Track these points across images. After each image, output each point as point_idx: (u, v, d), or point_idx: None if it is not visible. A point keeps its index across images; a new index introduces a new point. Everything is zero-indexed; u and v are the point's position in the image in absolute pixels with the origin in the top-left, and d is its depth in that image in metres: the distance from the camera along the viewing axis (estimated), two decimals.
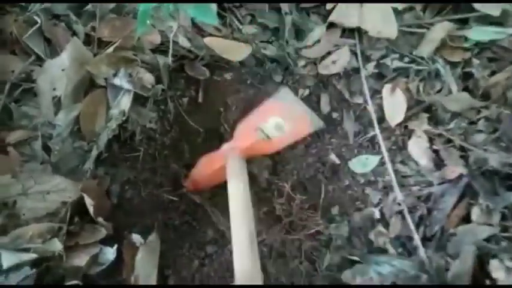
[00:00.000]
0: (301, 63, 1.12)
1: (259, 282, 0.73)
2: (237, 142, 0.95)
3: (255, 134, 0.96)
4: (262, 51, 1.10)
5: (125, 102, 0.91)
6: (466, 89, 1.06)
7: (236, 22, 1.12)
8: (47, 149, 0.86)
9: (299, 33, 1.15)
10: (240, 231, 0.78)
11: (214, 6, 1.06)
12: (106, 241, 0.85)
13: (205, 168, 0.98)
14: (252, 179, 0.99)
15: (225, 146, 0.95)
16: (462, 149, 0.99)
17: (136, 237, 0.87)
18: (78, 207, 0.84)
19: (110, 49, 0.92)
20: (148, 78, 0.93)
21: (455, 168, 0.97)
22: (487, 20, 1.11)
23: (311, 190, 1.04)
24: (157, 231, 0.92)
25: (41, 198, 0.81)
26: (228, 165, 0.91)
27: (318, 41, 1.12)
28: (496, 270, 0.87)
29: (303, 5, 1.17)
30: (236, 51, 1.08)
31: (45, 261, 0.79)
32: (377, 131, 1.05)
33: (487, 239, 0.92)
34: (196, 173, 0.99)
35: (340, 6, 1.13)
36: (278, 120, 0.97)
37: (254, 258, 0.75)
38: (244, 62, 1.10)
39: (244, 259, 0.75)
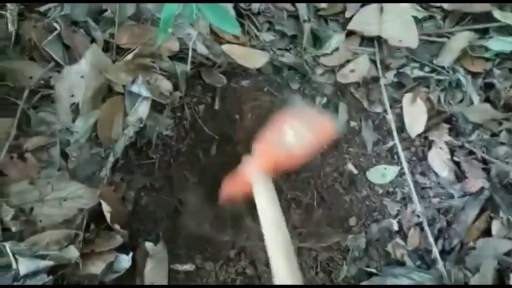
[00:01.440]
0: (319, 71, 1.11)
1: None
2: (259, 160, 0.88)
3: (275, 147, 0.88)
4: (280, 58, 1.09)
5: (142, 109, 0.90)
6: (487, 100, 1.04)
7: (254, 29, 1.11)
8: (64, 155, 0.86)
9: (317, 40, 1.14)
10: (277, 252, 0.72)
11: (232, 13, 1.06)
12: (121, 249, 0.85)
13: (233, 188, 0.92)
14: None
15: (247, 166, 0.89)
16: (484, 161, 0.98)
17: (149, 246, 0.86)
18: (95, 214, 0.84)
19: (129, 56, 0.92)
20: (166, 85, 0.92)
21: (476, 181, 0.95)
22: (507, 30, 1.09)
23: (328, 200, 1.03)
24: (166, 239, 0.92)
25: (58, 205, 0.80)
26: (254, 186, 0.84)
27: (337, 49, 1.11)
28: None
29: (322, 12, 1.15)
30: (254, 59, 1.07)
31: (61, 268, 0.78)
32: (396, 140, 1.04)
33: (508, 253, 0.90)
34: (227, 196, 0.94)
35: (360, 14, 1.13)
36: (296, 129, 0.88)
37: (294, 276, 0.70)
38: (261, 70, 1.09)
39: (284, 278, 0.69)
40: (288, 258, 0.71)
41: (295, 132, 0.88)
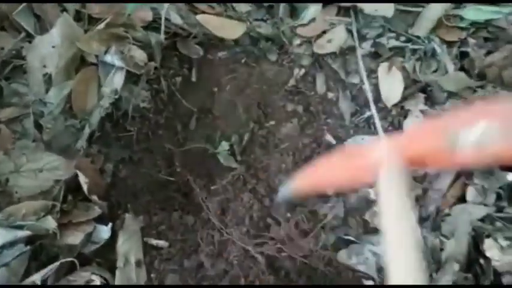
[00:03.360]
0: (297, 42, 1.11)
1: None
2: (409, 142, 0.62)
3: (440, 137, 0.59)
4: (257, 29, 1.09)
5: (117, 80, 0.89)
6: (462, 68, 1.06)
7: None
8: (38, 126, 0.85)
9: (294, 11, 1.14)
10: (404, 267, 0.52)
11: None
12: (101, 220, 0.85)
13: (332, 165, 0.66)
14: None
15: (382, 142, 0.62)
16: None
17: (128, 217, 0.86)
18: (72, 185, 0.84)
19: (101, 26, 0.90)
20: (140, 55, 0.91)
21: None
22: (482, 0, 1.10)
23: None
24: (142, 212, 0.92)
25: (34, 176, 0.80)
26: (381, 173, 0.60)
27: (313, 19, 1.10)
28: (490, 249, 0.88)
29: None
30: (230, 30, 1.06)
31: (39, 238, 0.78)
32: (373, 111, 1.04)
33: (482, 219, 0.92)
34: (314, 171, 0.68)
35: None
36: (490, 125, 0.61)
37: None
38: (238, 41, 1.09)
39: None
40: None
41: (485, 128, 0.57)
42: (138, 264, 0.86)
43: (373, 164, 0.59)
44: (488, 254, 0.87)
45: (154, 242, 0.90)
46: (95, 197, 0.83)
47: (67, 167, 0.81)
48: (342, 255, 0.94)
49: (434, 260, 0.89)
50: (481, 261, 0.88)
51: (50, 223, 0.77)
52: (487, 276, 0.87)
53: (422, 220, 0.96)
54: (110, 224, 0.84)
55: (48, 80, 0.86)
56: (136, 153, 0.98)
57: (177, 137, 1.04)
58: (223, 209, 0.96)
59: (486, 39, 1.08)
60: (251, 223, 0.94)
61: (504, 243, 0.87)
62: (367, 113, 1.06)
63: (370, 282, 0.92)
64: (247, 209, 0.95)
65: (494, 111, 0.57)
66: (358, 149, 0.66)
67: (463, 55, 1.07)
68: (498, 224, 0.90)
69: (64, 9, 0.93)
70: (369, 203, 1.00)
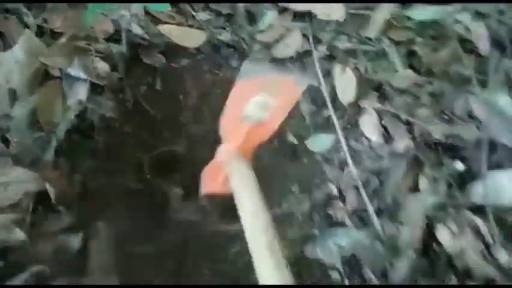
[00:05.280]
0: (256, 47, 1.15)
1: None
2: (229, 142, 0.79)
3: (243, 124, 0.78)
4: (217, 37, 1.13)
5: (81, 92, 0.92)
6: (411, 66, 1.12)
7: (190, 9, 1.14)
8: (5, 141, 0.87)
9: (252, 18, 1.18)
10: (259, 244, 0.62)
11: None
12: (71, 230, 0.87)
13: (211, 182, 0.81)
14: None
15: (220, 152, 0.78)
16: (408, 123, 1.06)
17: (98, 226, 0.88)
18: (41, 197, 0.85)
19: (63, 40, 0.92)
20: (103, 66, 0.94)
21: (402, 142, 1.03)
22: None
23: (272, 169, 1.08)
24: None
25: (2, 190, 0.81)
26: (230, 172, 0.75)
27: (271, 25, 1.15)
28: (442, 235, 0.95)
29: None
30: (191, 38, 1.10)
31: (10, 251, 0.80)
32: (330, 110, 1.10)
33: (434, 207, 0.98)
34: (207, 187, 0.83)
35: None
36: (259, 99, 0.79)
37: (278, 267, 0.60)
38: (200, 49, 1.13)
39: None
40: (274, 254, 0.60)
41: (260, 103, 0.80)
42: (110, 272, 0.87)
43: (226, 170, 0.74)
44: (440, 239, 0.94)
45: (127, 249, 0.91)
46: (63, 208, 0.85)
47: (35, 180, 0.83)
48: (308, 249, 0.99)
49: (393, 246, 0.95)
50: (435, 246, 0.95)
51: (20, 235, 0.79)
52: (441, 260, 0.93)
53: (381, 211, 1.02)
54: (80, 234, 0.86)
55: (13, 95, 0.88)
56: (104, 162, 0.99)
57: (145, 145, 1.07)
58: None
59: (433, 38, 1.15)
60: None
61: (455, 229, 0.94)
62: (325, 113, 1.11)
63: (335, 273, 0.97)
64: None
65: (252, 85, 0.80)
66: (215, 165, 0.78)
67: (412, 53, 1.14)
68: (449, 210, 0.97)
69: (26, 25, 0.94)
70: (332, 198, 1.05)
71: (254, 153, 0.79)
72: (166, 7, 0.81)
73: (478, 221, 0.95)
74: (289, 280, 0.58)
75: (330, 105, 1.10)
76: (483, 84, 1.08)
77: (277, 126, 0.81)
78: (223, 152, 0.77)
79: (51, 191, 0.82)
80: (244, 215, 0.67)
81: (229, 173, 0.74)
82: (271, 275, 0.58)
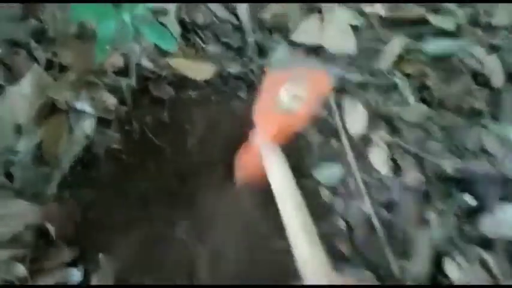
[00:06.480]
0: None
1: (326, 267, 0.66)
2: (263, 128, 0.85)
3: (275, 112, 0.82)
4: (227, 69, 1.13)
5: (87, 125, 0.92)
6: (422, 99, 1.10)
7: (200, 42, 1.15)
8: (9, 175, 0.87)
9: (262, 51, 1.18)
10: (294, 225, 0.71)
11: (176, 31, 1.08)
12: (72, 263, 0.86)
13: (246, 164, 0.92)
14: None
15: (254, 136, 0.86)
16: (419, 157, 1.03)
17: (100, 258, 0.87)
18: (43, 230, 0.85)
19: (72, 74, 0.93)
20: (111, 100, 0.94)
21: (413, 176, 1.01)
22: (442, 34, 1.16)
23: None
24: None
25: (3, 224, 0.81)
26: (263, 157, 0.81)
27: (282, 59, 1.15)
28: (451, 269, 0.93)
29: (267, 24, 1.20)
30: (201, 71, 1.10)
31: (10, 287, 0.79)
32: (344, 141, 1.08)
33: (443, 240, 0.97)
34: (242, 170, 0.94)
35: (302, 25, 1.18)
36: (290, 89, 0.81)
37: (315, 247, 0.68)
38: (209, 81, 1.13)
39: (305, 250, 0.68)
40: (308, 232, 0.70)
41: (291, 93, 0.82)
42: None
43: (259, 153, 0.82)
44: (449, 273, 0.93)
45: (130, 283, 0.90)
46: (63, 242, 0.84)
47: (35, 214, 0.83)
48: None
49: (401, 279, 0.94)
50: (443, 280, 0.93)
51: (21, 270, 0.78)
52: None
53: (391, 245, 0.99)
54: (82, 267, 0.85)
55: (18, 129, 0.88)
56: (109, 194, 0.99)
57: (150, 176, 1.06)
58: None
59: (445, 71, 1.14)
60: None
61: (464, 263, 0.91)
62: (335, 144, 1.10)
63: None
64: None
65: (284, 75, 0.83)
66: (250, 150, 0.88)
67: (423, 87, 1.12)
68: (458, 244, 0.96)
69: (35, 59, 0.96)
70: (339, 231, 1.03)
71: (286, 142, 0.85)
72: (176, 48, 0.81)
73: (486, 255, 0.94)
74: (323, 255, 0.66)
75: (342, 136, 1.08)
76: (495, 117, 1.06)
77: (307, 118, 0.84)
78: (257, 136, 0.86)
79: (51, 229, 0.82)
80: (280, 195, 0.75)
81: (263, 156, 0.81)
82: (306, 252, 0.66)
